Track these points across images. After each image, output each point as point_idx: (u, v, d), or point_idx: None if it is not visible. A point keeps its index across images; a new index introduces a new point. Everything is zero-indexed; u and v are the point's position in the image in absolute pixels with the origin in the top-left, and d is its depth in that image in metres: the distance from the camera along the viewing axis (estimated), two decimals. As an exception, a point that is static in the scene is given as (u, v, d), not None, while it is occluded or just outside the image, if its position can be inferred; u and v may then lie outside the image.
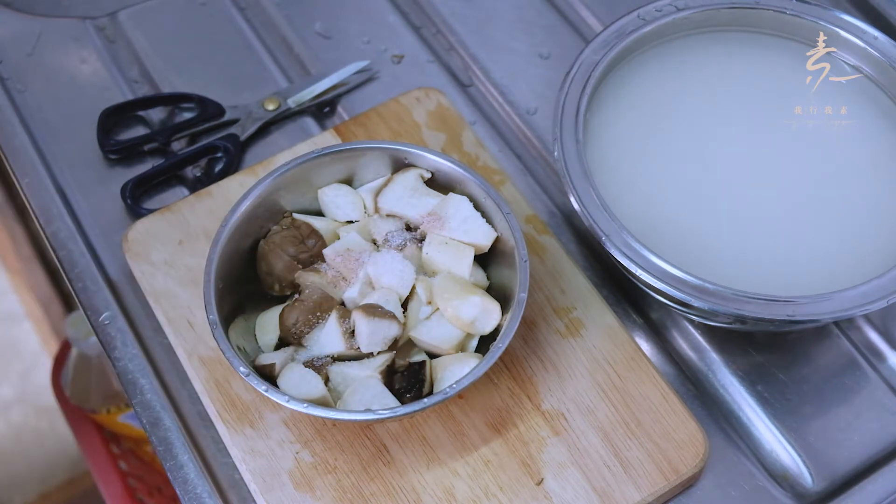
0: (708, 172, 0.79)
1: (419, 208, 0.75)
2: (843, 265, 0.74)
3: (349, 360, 0.71)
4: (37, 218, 0.85)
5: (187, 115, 0.90)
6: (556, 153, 0.76)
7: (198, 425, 0.75)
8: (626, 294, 0.81)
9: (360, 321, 0.69)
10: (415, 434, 0.72)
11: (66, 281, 0.82)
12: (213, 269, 0.70)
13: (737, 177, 0.78)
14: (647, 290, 0.76)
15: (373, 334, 0.69)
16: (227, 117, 0.90)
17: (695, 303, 0.70)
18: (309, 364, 0.70)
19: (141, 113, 0.91)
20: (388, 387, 0.69)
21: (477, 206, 0.74)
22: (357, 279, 0.72)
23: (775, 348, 0.79)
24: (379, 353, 0.70)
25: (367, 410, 0.66)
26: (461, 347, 0.71)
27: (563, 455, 0.71)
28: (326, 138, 0.86)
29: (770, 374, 0.78)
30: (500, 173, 0.84)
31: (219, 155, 0.88)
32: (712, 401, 0.77)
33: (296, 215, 0.76)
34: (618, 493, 0.70)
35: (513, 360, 0.75)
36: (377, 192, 0.77)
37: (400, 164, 0.77)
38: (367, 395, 0.68)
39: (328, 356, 0.71)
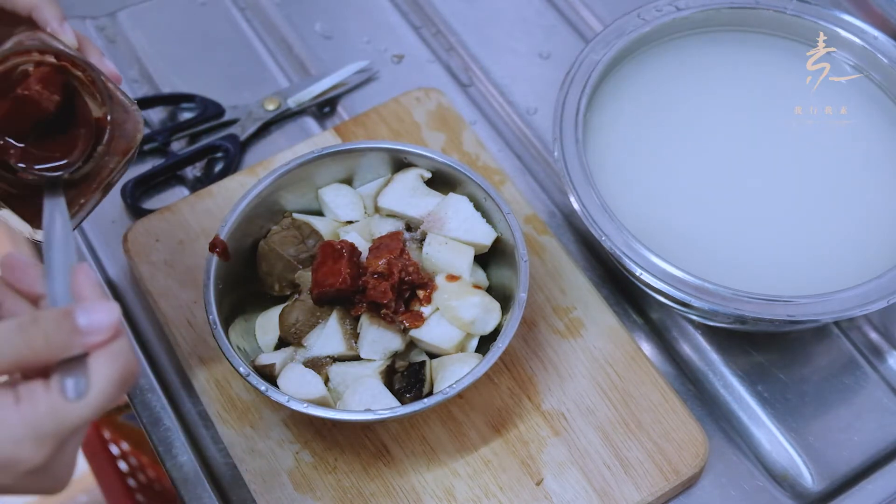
0: (708, 172, 0.78)
1: (419, 208, 0.75)
2: (843, 265, 0.74)
3: (349, 360, 0.71)
4: (37, 218, 0.85)
5: (187, 115, 0.90)
6: (556, 153, 0.76)
7: (198, 425, 0.75)
8: (626, 294, 0.81)
9: (366, 326, 0.69)
10: (415, 434, 0.72)
11: (66, 281, 0.82)
12: (212, 269, 0.70)
13: (736, 177, 0.78)
14: (647, 290, 0.76)
15: (375, 342, 0.69)
16: (227, 117, 0.90)
17: (695, 303, 0.70)
18: (309, 364, 0.70)
19: (141, 113, 0.91)
20: (388, 387, 0.69)
21: (477, 206, 0.74)
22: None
23: (775, 348, 0.79)
24: (378, 354, 0.71)
25: (367, 410, 0.66)
26: (461, 347, 0.71)
27: (563, 455, 0.71)
28: (326, 138, 0.86)
29: (770, 374, 0.78)
30: (500, 173, 0.84)
31: (219, 155, 0.88)
32: (712, 401, 0.77)
33: (296, 215, 0.76)
34: (618, 493, 0.70)
35: (513, 360, 0.75)
36: (377, 192, 0.77)
37: (400, 164, 0.77)
38: (367, 395, 0.68)
39: (328, 356, 0.71)
